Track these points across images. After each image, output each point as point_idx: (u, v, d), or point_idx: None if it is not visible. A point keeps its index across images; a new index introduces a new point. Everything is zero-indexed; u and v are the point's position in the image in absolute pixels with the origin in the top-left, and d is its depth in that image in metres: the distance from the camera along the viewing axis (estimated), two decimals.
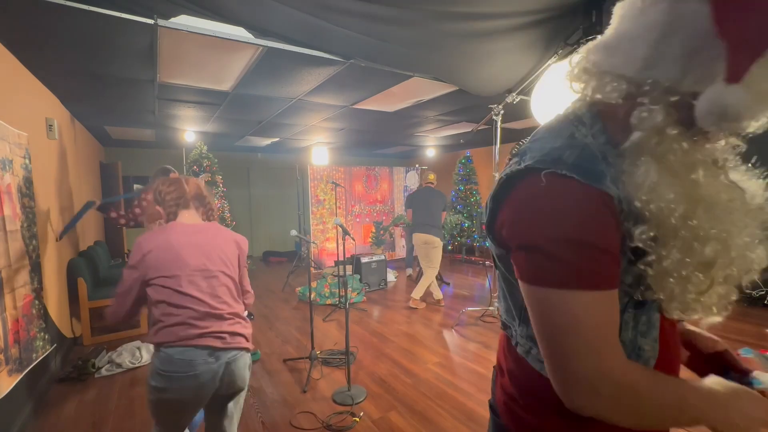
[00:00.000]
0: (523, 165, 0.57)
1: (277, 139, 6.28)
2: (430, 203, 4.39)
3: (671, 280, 0.52)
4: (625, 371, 0.51)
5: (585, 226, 0.51)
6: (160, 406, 1.30)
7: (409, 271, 6.04)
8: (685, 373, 0.69)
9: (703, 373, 0.61)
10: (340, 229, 2.92)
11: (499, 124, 3.51)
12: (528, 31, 2.10)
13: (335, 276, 4.54)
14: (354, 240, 3.44)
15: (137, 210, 2.77)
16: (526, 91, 2.92)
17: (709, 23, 0.45)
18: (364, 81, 3.23)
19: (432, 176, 4.64)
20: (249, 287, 1.55)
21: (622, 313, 0.56)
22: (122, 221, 2.84)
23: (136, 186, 6.47)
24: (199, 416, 1.54)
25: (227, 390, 1.37)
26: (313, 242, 3.55)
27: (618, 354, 0.52)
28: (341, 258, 3.67)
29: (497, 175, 3.81)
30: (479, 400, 2.40)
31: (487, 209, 0.64)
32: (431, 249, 4.29)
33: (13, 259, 2.12)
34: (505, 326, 0.73)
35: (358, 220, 7.08)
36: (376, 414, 2.27)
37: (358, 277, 4.88)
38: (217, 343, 1.31)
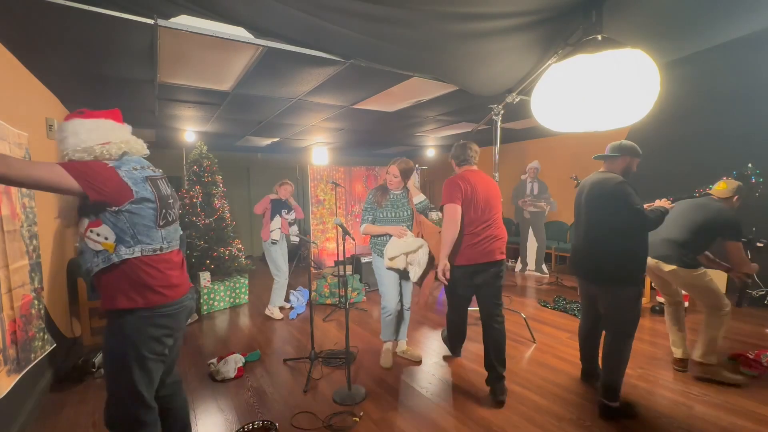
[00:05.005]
0: None
1: (277, 139, 6.28)
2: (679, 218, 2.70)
3: None
4: None
5: None
6: None
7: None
8: None
9: None
10: (340, 229, 2.92)
11: (499, 124, 3.51)
12: (528, 31, 2.10)
13: (335, 276, 4.54)
14: (354, 240, 3.43)
15: None
16: (526, 91, 2.93)
17: None
18: (364, 81, 3.23)
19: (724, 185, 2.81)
20: None
21: None
22: None
23: None
24: None
25: None
26: (314, 242, 3.54)
27: None
28: (341, 258, 3.66)
29: (497, 175, 3.76)
30: (479, 400, 2.39)
31: None
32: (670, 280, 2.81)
33: (11, 259, 2.12)
34: None
35: (358, 220, 7.08)
36: (376, 414, 2.27)
37: (358, 277, 4.88)
38: None
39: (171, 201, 1.50)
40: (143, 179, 1.38)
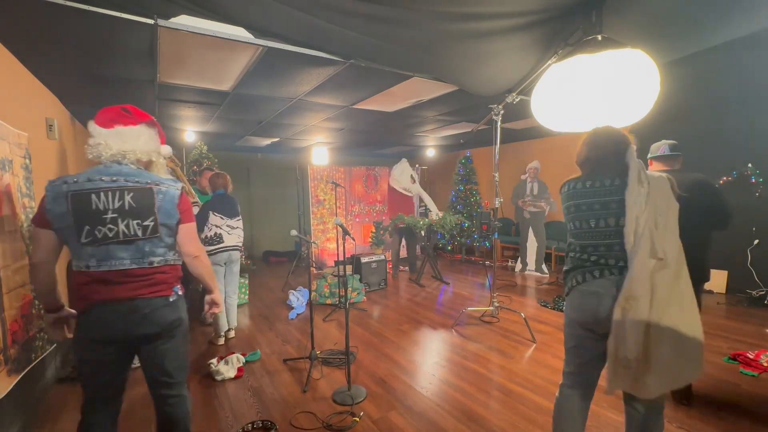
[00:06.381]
0: None
1: (277, 139, 6.28)
2: None
3: None
4: None
5: None
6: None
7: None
8: None
9: None
10: (340, 229, 2.92)
11: (499, 124, 3.51)
12: (528, 31, 2.10)
13: (335, 276, 4.54)
14: (354, 240, 3.44)
15: None
16: (526, 91, 2.92)
17: None
18: (364, 81, 3.23)
19: None
20: None
21: None
22: None
23: None
24: None
25: None
26: (314, 242, 3.53)
27: None
28: (341, 258, 3.67)
29: (497, 175, 3.79)
30: (479, 400, 2.39)
31: None
32: None
33: (12, 259, 2.12)
34: None
35: (358, 220, 7.08)
36: (376, 414, 2.27)
37: (358, 277, 4.88)
38: None
39: (112, 216, 1.36)
40: (63, 195, 1.33)
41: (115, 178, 1.39)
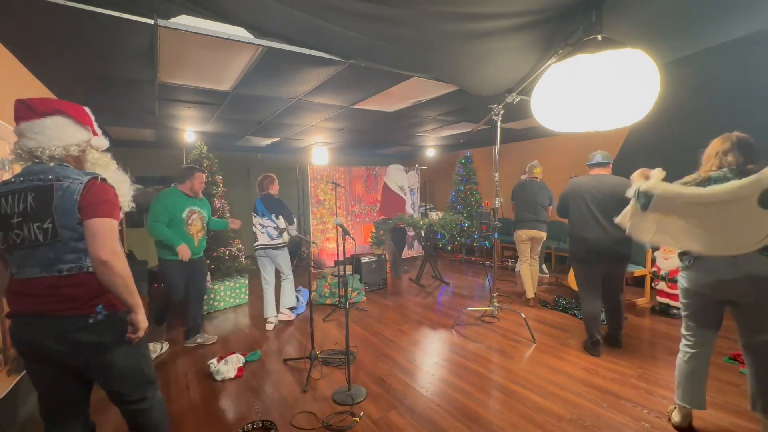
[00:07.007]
0: None
1: (277, 139, 6.28)
2: (537, 198, 4.28)
3: None
4: None
5: None
6: None
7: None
8: None
9: None
10: (340, 229, 2.92)
11: (499, 124, 3.51)
12: (528, 31, 2.10)
13: (335, 276, 4.54)
14: (354, 240, 3.43)
15: None
16: (526, 91, 2.92)
17: None
18: (364, 81, 3.23)
19: (538, 170, 4.48)
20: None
21: None
22: None
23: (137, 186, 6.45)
24: None
25: None
26: (314, 242, 3.54)
27: None
28: (341, 258, 3.67)
29: (497, 175, 3.79)
30: (479, 400, 2.39)
31: None
32: (539, 242, 4.42)
33: None
34: None
35: (358, 220, 7.08)
36: (376, 414, 2.27)
37: (358, 277, 4.88)
38: None
39: (17, 221, 1.24)
40: None
41: (23, 179, 1.27)
